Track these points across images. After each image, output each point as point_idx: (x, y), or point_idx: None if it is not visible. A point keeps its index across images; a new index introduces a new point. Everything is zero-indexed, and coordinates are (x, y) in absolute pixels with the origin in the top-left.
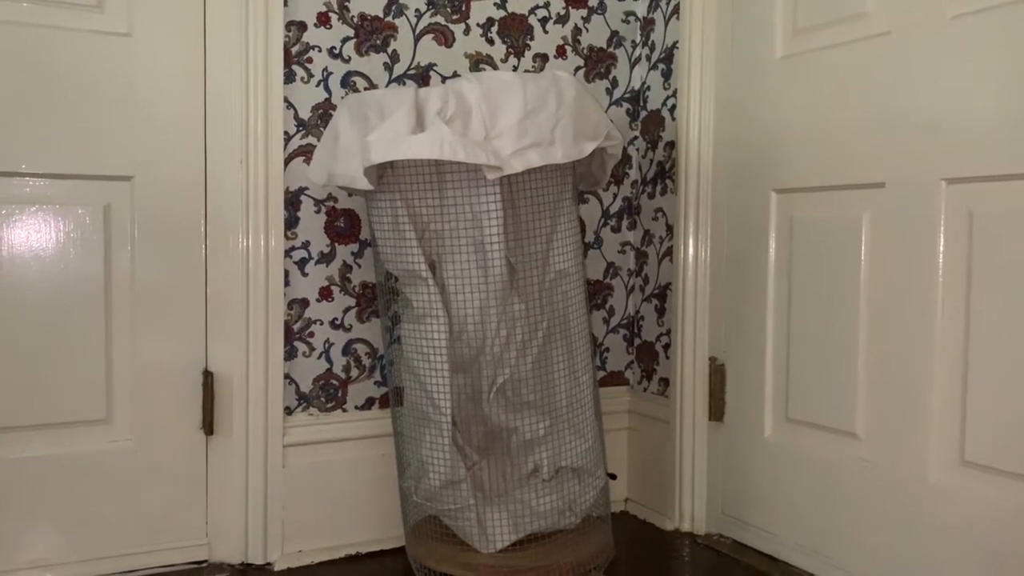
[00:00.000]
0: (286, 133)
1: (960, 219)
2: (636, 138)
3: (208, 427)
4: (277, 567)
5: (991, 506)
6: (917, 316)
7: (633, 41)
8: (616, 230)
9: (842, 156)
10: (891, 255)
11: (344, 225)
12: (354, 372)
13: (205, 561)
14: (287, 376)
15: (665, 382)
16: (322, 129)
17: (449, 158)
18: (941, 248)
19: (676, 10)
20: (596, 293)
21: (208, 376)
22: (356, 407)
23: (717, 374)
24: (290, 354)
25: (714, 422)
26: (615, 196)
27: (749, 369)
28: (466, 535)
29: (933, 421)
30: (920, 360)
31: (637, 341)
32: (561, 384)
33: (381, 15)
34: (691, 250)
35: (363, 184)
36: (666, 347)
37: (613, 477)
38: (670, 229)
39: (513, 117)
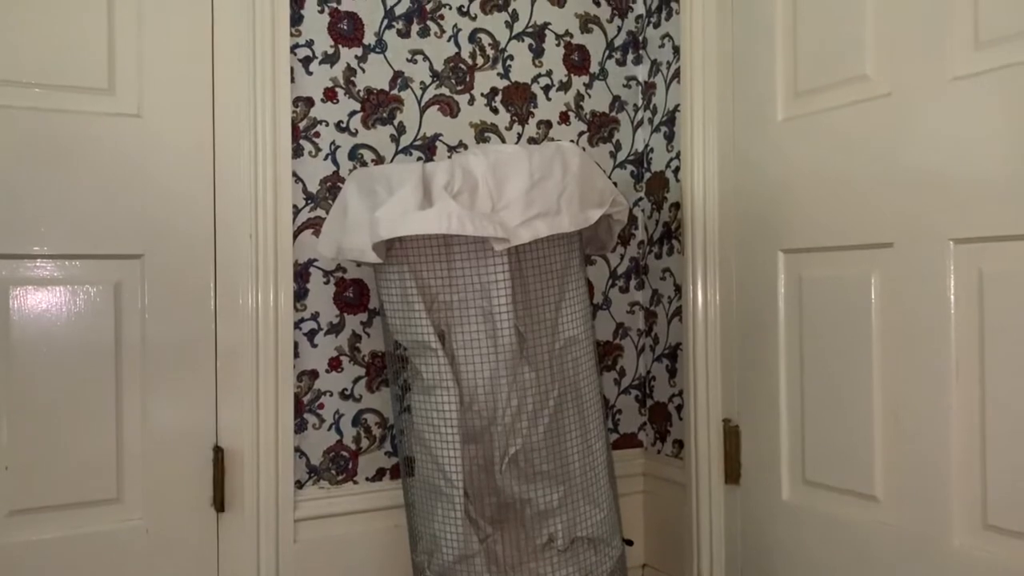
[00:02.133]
0: (295, 206)
1: (970, 278)
2: (641, 199)
3: (219, 504)
4: None
5: (1017, 571)
6: (931, 376)
7: (635, 105)
8: (624, 290)
9: (848, 216)
10: (902, 315)
11: (353, 295)
12: (364, 443)
13: None
14: (297, 449)
15: (679, 444)
16: (330, 202)
17: (457, 231)
18: (952, 308)
19: (677, 74)
20: (606, 354)
21: (219, 452)
22: (367, 478)
23: (732, 436)
24: (300, 426)
25: (730, 485)
26: (622, 257)
27: (764, 430)
28: None
29: (953, 483)
30: (937, 421)
31: (649, 402)
32: (574, 452)
33: (387, 88)
34: (700, 310)
35: (372, 258)
36: (679, 408)
37: (629, 543)
38: (678, 289)
39: (519, 188)
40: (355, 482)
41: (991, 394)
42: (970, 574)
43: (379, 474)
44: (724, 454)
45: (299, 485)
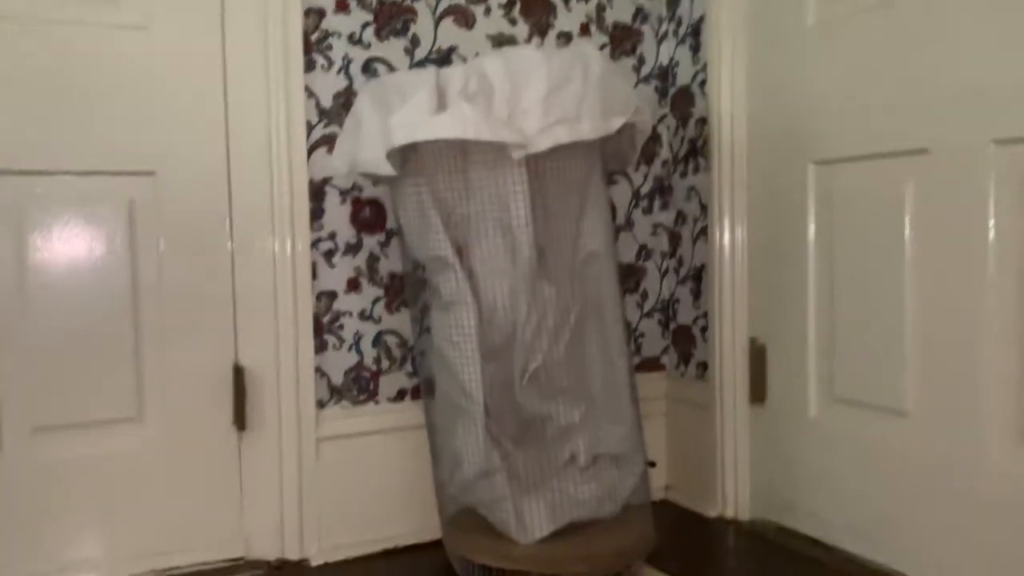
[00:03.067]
0: (308, 123)
1: (1012, 182)
2: (665, 116)
3: (240, 422)
4: (314, 562)
5: None
6: (967, 287)
7: (659, 16)
8: (648, 211)
9: (882, 122)
10: (937, 224)
11: (370, 215)
12: (385, 364)
13: (241, 558)
14: (318, 369)
15: (703, 366)
16: (344, 117)
17: (473, 137)
18: (991, 215)
19: None
20: (629, 276)
21: (239, 371)
22: (388, 399)
23: (758, 355)
24: (320, 347)
25: (756, 405)
26: (646, 176)
27: (791, 348)
28: (503, 526)
29: (989, 397)
30: (973, 333)
31: (673, 325)
32: (595, 369)
33: None
34: (727, 229)
35: (387, 170)
36: (703, 330)
37: (652, 465)
38: (704, 208)
39: (538, 94)
40: (376, 402)
41: None
42: (1004, 489)
43: (400, 395)
44: (749, 373)
45: (320, 405)
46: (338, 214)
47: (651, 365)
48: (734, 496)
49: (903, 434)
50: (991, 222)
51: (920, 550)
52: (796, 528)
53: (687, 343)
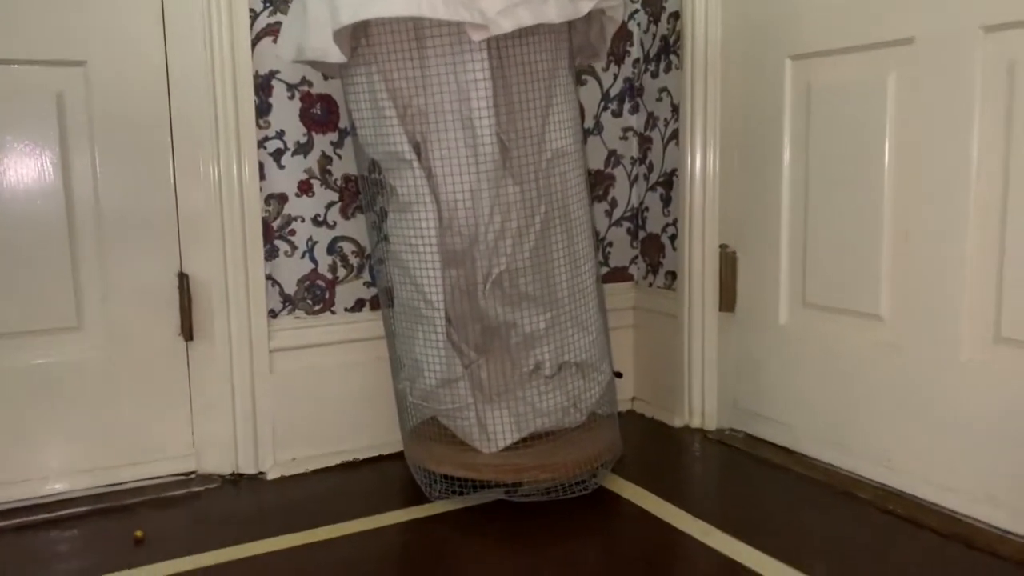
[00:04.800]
0: (252, 11)
1: (999, 72)
2: (637, 11)
3: (187, 332)
4: (270, 476)
5: None
6: (949, 185)
7: None
8: (617, 114)
9: (865, 12)
10: (919, 118)
11: (321, 112)
12: (341, 272)
13: (193, 472)
14: (269, 277)
15: (672, 275)
16: (290, 3)
17: (428, 16)
18: (977, 107)
19: None
20: (597, 184)
21: (184, 279)
22: (345, 309)
23: (728, 262)
24: (270, 253)
25: (725, 313)
26: (615, 77)
27: (763, 254)
28: (466, 435)
29: (966, 297)
30: (952, 232)
31: (642, 234)
32: (561, 274)
33: None
34: (699, 131)
35: (335, 56)
36: (672, 239)
37: (619, 375)
38: (676, 110)
39: None
40: (332, 312)
41: (1015, 200)
42: (977, 388)
43: (358, 304)
44: (719, 281)
45: (273, 315)
46: (286, 111)
47: (619, 275)
48: (701, 406)
49: (877, 339)
50: (977, 112)
51: (892, 456)
52: (763, 437)
53: (656, 252)
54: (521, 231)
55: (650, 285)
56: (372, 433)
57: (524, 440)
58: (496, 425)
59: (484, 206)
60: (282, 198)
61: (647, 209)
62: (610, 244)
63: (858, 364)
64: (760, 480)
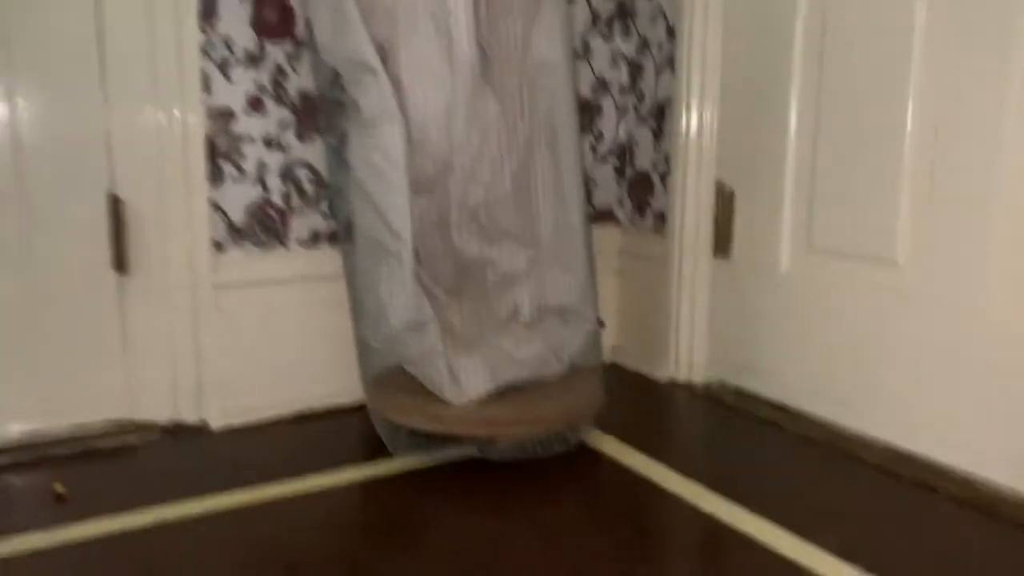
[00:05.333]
0: None
1: None
2: None
3: (120, 264)
4: (214, 426)
5: None
6: (987, 103)
7: None
8: (607, 38)
9: None
10: (955, 27)
11: (274, 18)
12: (296, 201)
13: (128, 420)
14: (214, 204)
15: (661, 217)
16: None
17: None
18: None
19: None
20: (582, 114)
21: (115, 203)
22: (300, 243)
23: (725, 202)
24: (215, 176)
25: (719, 258)
26: None
27: (764, 192)
28: (435, 385)
29: (1000, 237)
30: (986, 160)
31: (629, 171)
32: (546, 207)
33: None
34: (696, 54)
35: None
36: (663, 176)
37: (602, 325)
38: (671, 32)
39: None
40: (286, 246)
41: None
42: (1007, 341)
43: (314, 238)
44: (714, 223)
45: (219, 247)
46: (235, 14)
47: (603, 217)
48: (689, 358)
49: (891, 286)
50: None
51: (904, 413)
52: (757, 392)
53: (644, 190)
54: (501, 155)
55: (637, 227)
56: (330, 381)
57: (499, 392)
58: (468, 374)
59: (459, 124)
60: (228, 114)
61: (636, 144)
62: (594, 183)
63: (869, 314)
64: (755, 439)
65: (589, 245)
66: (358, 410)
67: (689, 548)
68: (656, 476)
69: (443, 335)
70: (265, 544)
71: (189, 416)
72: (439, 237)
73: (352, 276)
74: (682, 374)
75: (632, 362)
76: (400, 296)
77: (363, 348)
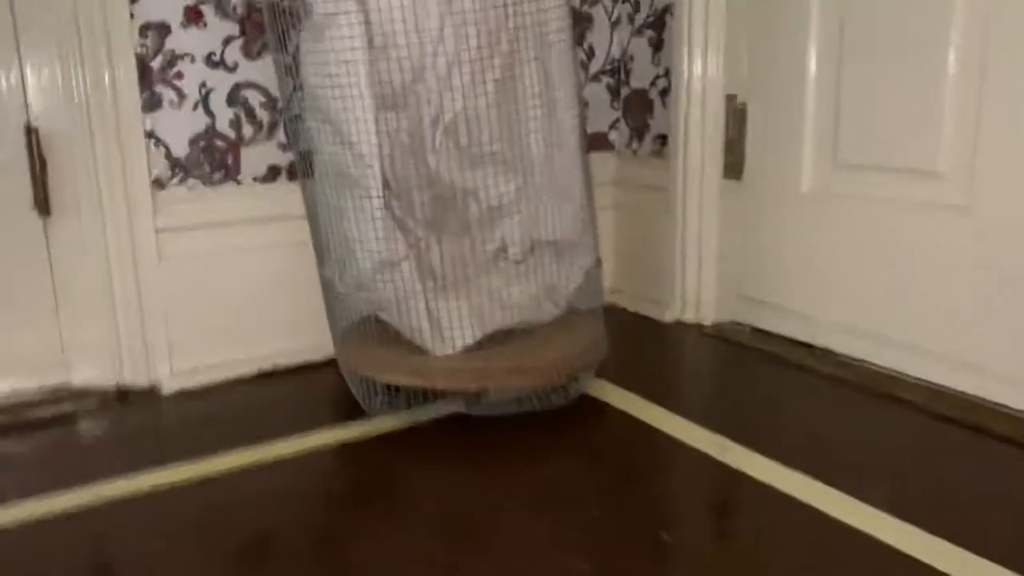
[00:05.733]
0: None
1: None
2: None
3: (43, 205)
4: (166, 390)
5: None
6: None
7: None
8: None
9: None
10: None
11: None
12: (247, 130)
13: (63, 387)
14: (151, 135)
15: (662, 139)
16: None
17: None
18: None
19: None
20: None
21: (32, 134)
22: (255, 178)
23: (736, 117)
24: (152, 104)
25: (730, 181)
26: None
27: (782, 103)
28: (414, 334)
29: None
30: None
31: (625, 90)
32: (536, 124)
33: None
34: None
35: None
36: (663, 92)
37: (598, 264)
38: None
39: None
40: (238, 182)
41: None
42: None
43: (271, 173)
44: (724, 142)
45: (159, 184)
46: None
47: (597, 143)
48: (696, 296)
49: (934, 202)
50: None
51: (950, 347)
52: (776, 330)
53: (643, 111)
54: (482, 58)
55: (634, 153)
56: (297, 336)
57: (487, 340)
58: (451, 321)
59: (431, 23)
60: (163, 29)
61: (632, 59)
62: (585, 105)
63: (907, 235)
64: (777, 382)
65: (586, 169)
66: (328, 367)
67: (711, 506)
68: (669, 427)
69: (422, 277)
70: (228, 519)
71: (136, 380)
72: (412, 163)
73: (314, 213)
74: (690, 315)
75: (632, 303)
76: (368, 231)
77: (331, 296)
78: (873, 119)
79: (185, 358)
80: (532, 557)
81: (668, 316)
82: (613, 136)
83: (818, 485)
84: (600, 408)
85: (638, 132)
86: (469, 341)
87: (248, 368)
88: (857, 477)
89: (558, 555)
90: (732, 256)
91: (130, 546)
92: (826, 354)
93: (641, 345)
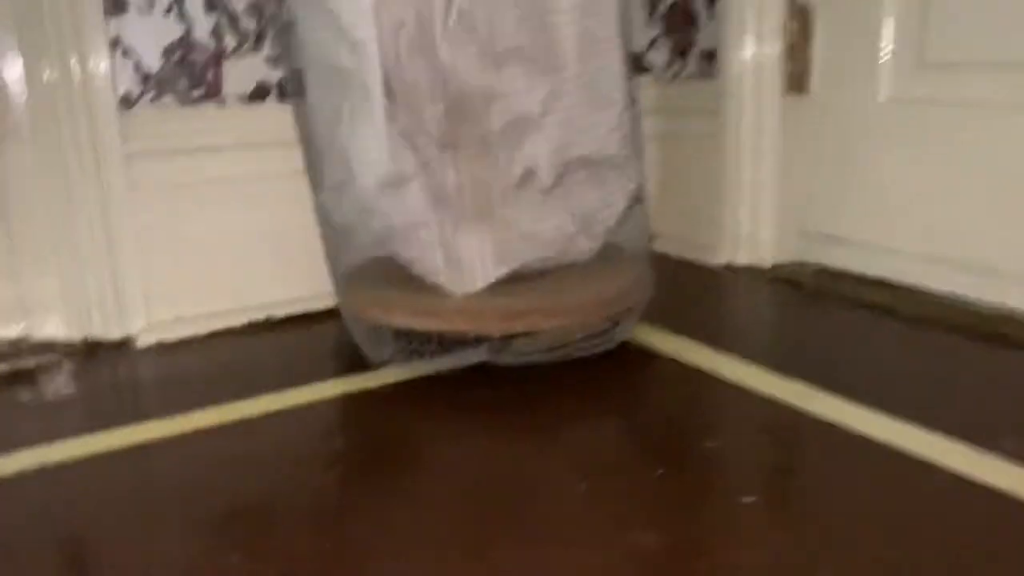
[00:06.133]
0: None
1: None
2: None
3: None
4: (141, 343)
5: None
6: None
7: None
8: None
9: None
10: None
11: None
12: (230, 40)
13: (23, 339)
14: (116, 44)
15: (709, 57)
16: None
17: None
18: None
19: None
20: None
21: None
22: (240, 97)
23: (800, 20)
24: (116, 7)
25: (793, 96)
26: None
27: (856, 3)
28: (428, 270)
29: None
30: None
31: (662, 4)
32: (569, 13)
33: None
34: None
35: None
36: (710, 1)
37: (640, 194)
38: None
39: None
40: (221, 101)
41: None
42: None
43: (260, 91)
44: (787, 52)
45: (127, 102)
46: None
47: (632, 66)
48: (752, 235)
49: None
50: None
51: None
52: (850, 269)
53: (686, 25)
54: None
55: (676, 75)
56: (293, 282)
57: (512, 277)
58: (471, 255)
59: None
60: None
61: None
62: None
63: (1014, 146)
64: (856, 326)
65: (630, 67)
66: (331, 318)
67: (797, 462)
68: (734, 374)
69: (434, 202)
70: (207, 481)
71: (107, 332)
72: (421, 63)
73: (308, 128)
74: (744, 257)
75: (676, 247)
76: (369, 141)
77: (329, 228)
78: (971, 5)
79: (162, 308)
80: (581, 531)
81: (718, 260)
82: (652, 57)
83: (936, 438)
84: (649, 356)
85: (681, 49)
86: (492, 278)
87: (237, 319)
88: (985, 429)
89: (614, 529)
90: (794, 186)
91: (93, 509)
92: (914, 294)
93: (691, 292)
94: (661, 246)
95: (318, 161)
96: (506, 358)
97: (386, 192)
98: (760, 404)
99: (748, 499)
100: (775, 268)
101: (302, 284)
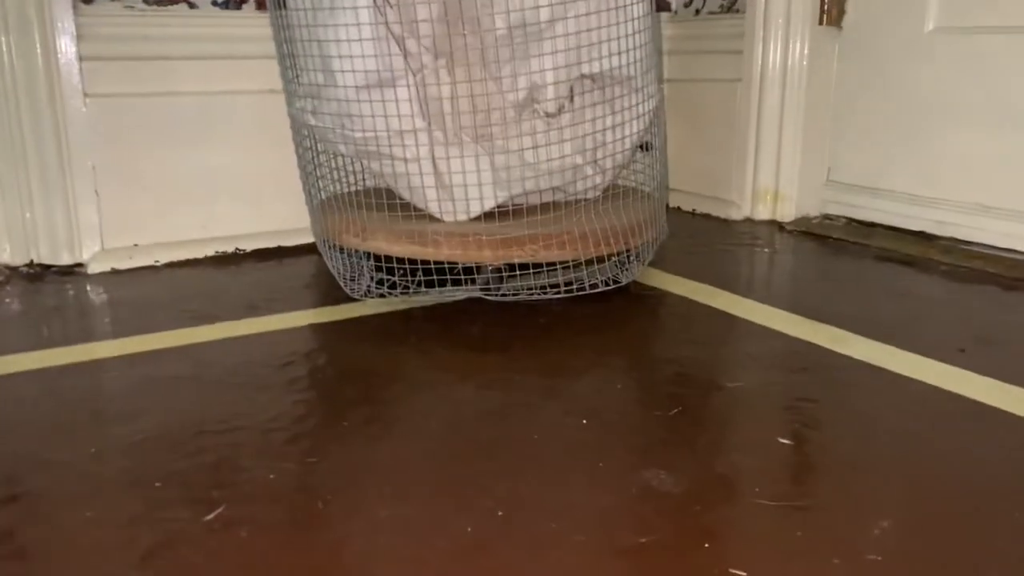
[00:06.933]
0: None
1: None
2: None
3: None
4: (92, 269)
5: None
6: None
7: None
8: None
9: None
10: None
11: None
12: None
13: None
14: None
15: None
16: None
17: None
18: None
19: None
20: None
21: None
22: (214, 1)
23: None
24: None
25: (826, 28)
26: None
27: None
28: (416, 195)
29: None
30: None
31: None
32: None
33: None
34: None
35: None
36: None
37: (646, 148)
38: None
39: None
40: (192, 3)
41: None
42: None
43: None
44: None
45: None
46: None
47: None
48: (774, 187)
49: None
50: None
51: None
52: (882, 221)
53: None
54: None
55: (696, 14)
56: (265, 213)
57: (509, 210)
58: (465, 180)
59: None
60: None
61: None
62: None
63: None
64: (892, 278)
65: None
66: (307, 253)
67: (830, 401)
68: (757, 316)
69: (424, 112)
70: (156, 401)
71: (55, 256)
72: None
73: (284, 38)
74: (763, 212)
75: (692, 202)
76: (352, 37)
77: (304, 140)
78: None
79: (120, 235)
80: (589, 473)
81: (738, 214)
82: None
83: (991, 381)
84: (662, 298)
85: None
86: (488, 207)
87: (202, 250)
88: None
89: (628, 468)
90: (822, 131)
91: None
92: (954, 246)
93: (710, 246)
94: (676, 200)
95: (293, 69)
96: (501, 294)
97: (369, 93)
98: (785, 344)
99: (785, 440)
100: (800, 221)
101: (277, 216)
